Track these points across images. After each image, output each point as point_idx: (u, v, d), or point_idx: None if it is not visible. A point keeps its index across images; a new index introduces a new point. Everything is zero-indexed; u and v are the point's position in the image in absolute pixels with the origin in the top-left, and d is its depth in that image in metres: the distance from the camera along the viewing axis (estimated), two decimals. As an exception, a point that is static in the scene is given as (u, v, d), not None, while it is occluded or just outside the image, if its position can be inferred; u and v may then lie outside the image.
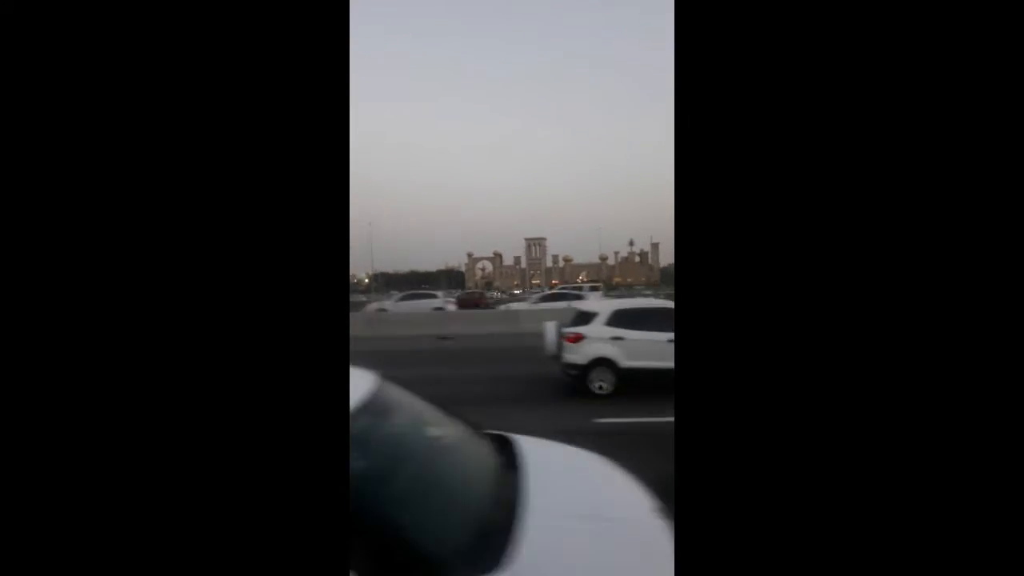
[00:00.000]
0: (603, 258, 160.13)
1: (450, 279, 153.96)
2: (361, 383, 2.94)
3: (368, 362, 3.39)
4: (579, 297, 27.88)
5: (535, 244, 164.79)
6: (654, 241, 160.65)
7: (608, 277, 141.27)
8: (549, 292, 32.69)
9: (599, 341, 9.64)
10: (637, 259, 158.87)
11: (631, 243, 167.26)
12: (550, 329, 10.38)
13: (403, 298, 32.01)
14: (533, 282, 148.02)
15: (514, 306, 28.83)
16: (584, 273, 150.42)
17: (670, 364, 8.82)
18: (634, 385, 9.48)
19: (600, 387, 9.63)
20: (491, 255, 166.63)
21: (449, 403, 3.62)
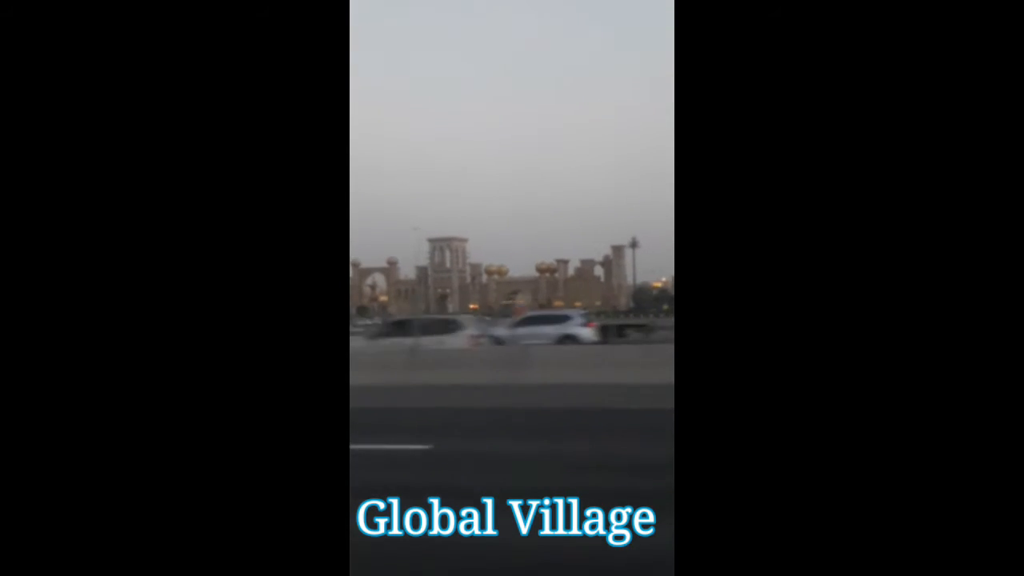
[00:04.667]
0: (545, 270, 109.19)
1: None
2: None
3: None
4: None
5: (446, 247, 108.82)
6: (615, 244, 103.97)
7: (548, 297, 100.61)
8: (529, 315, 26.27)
9: None
10: (599, 271, 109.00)
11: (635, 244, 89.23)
12: None
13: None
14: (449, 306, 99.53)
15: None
16: (518, 292, 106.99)
17: None
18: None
19: None
20: (384, 264, 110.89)
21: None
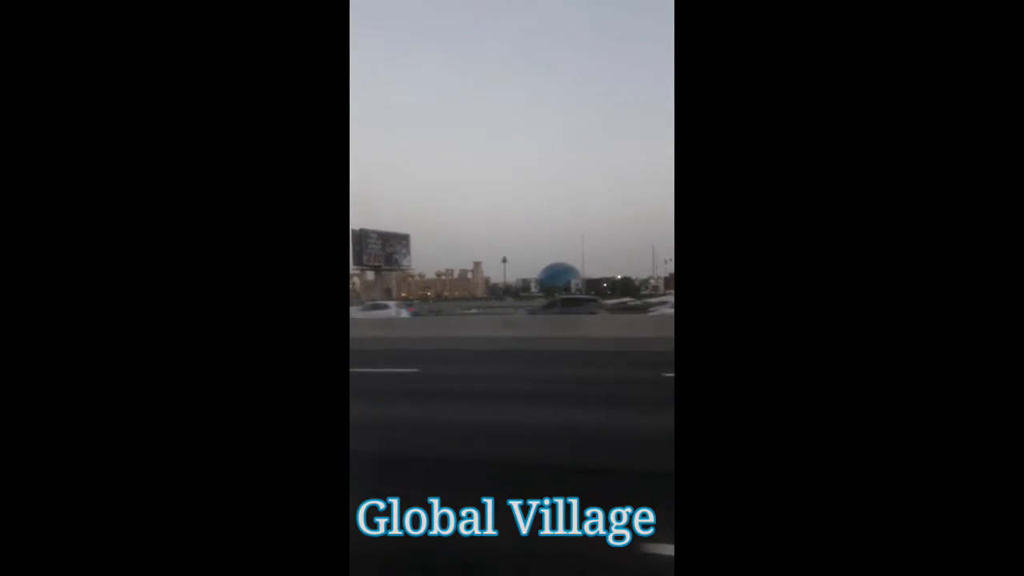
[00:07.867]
0: (440, 274, 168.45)
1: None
2: None
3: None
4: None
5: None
6: (476, 260, 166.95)
7: (440, 292, 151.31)
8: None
9: None
10: (469, 276, 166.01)
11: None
12: None
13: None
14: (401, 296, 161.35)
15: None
16: (428, 288, 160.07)
17: None
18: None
19: None
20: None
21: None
